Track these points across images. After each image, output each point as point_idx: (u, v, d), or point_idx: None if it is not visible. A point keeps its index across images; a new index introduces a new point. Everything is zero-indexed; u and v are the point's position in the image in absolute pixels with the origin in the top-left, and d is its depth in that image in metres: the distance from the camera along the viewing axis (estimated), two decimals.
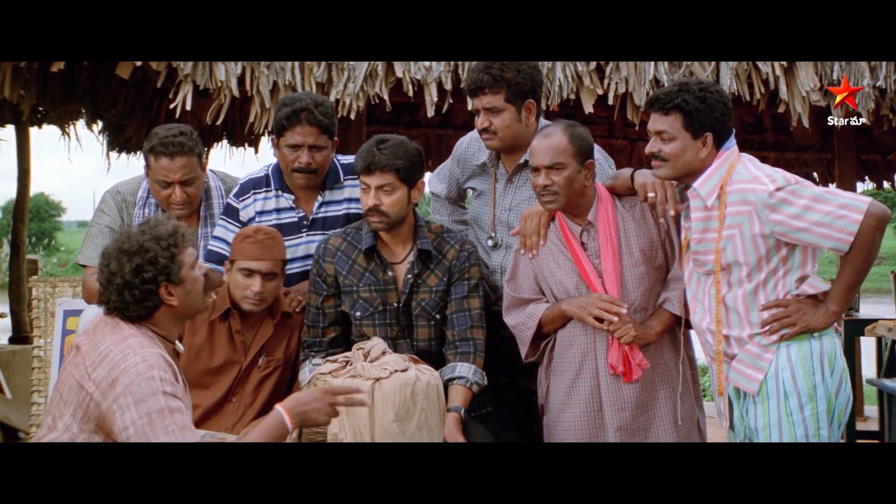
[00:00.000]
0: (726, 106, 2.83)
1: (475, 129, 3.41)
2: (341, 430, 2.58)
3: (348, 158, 3.45)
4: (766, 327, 2.74)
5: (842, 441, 5.07)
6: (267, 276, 3.10)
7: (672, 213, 2.93)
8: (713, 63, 4.84)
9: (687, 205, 2.89)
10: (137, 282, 2.43)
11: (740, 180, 2.75)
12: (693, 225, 2.85)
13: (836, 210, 2.63)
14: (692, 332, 3.06)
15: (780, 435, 2.70)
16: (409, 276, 3.12)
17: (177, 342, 2.64)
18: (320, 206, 3.39)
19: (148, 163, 3.38)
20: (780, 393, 2.71)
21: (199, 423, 3.03)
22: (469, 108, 3.31)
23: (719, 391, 2.85)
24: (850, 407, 2.80)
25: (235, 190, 3.44)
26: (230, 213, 3.40)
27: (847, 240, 2.64)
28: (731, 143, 2.84)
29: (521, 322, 3.10)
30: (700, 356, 3.24)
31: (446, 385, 2.96)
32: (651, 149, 2.84)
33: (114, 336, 2.41)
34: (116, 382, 2.32)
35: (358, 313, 3.14)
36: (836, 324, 2.79)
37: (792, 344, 2.73)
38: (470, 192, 3.56)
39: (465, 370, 3.04)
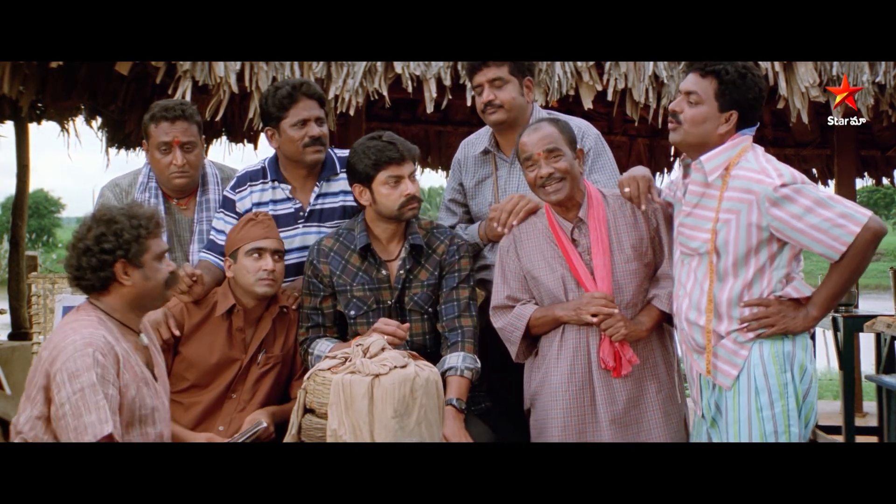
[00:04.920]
0: (761, 93, 2.81)
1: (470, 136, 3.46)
2: (340, 425, 2.58)
3: (345, 152, 3.45)
4: (745, 325, 2.75)
5: (839, 440, 5.11)
6: (276, 255, 3.13)
7: (643, 207, 2.96)
8: None
9: (686, 186, 2.87)
10: (96, 249, 2.46)
11: (748, 168, 2.73)
12: (686, 198, 2.84)
13: (835, 218, 2.62)
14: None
15: (750, 430, 2.71)
16: (401, 271, 3.15)
17: (142, 335, 2.63)
18: (317, 197, 3.39)
19: (148, 132, 3.40)
20: (751, 389, 2.72)
21: (198, 421, 3.05)
22: (472, 84, 3.32)
23: (706, 372, 2.84)
24: (815, 415, 2.81)
25: (232, 182, 3.44)
26: (227, 205, 3.40)
27: (840, 249, 2.63)
28: (750, 131, 2.83)
29: (509, 323, 3.09)
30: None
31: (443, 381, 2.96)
32: (675, 107, 2.81)
33: (64, 321, 2.45)
34: (55, 360, 2.35)
35: (352, 312, 3.15)
36: (809, 330, 2.79)
37: (765, 342, 2.74)
38: (471, 190, 3.54)
39: (454, 360, 3.05)
